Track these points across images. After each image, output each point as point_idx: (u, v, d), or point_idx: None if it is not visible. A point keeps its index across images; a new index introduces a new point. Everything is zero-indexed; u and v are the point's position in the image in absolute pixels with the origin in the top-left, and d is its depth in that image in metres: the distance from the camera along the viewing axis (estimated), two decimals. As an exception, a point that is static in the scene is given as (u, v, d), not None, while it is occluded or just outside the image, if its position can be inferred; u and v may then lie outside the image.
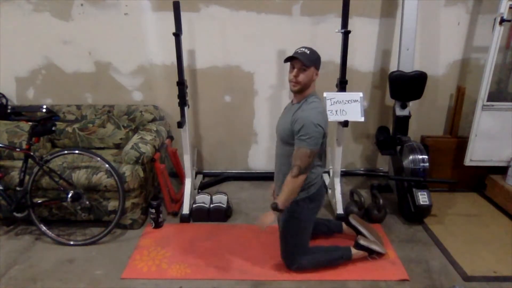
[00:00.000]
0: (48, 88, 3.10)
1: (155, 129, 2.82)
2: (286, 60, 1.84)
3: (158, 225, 2.55)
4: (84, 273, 2.12)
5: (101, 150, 2.79)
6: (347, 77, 2.55)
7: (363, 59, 3.04)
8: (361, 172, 3.42)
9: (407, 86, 2.77)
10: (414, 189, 2.57)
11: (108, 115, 2.88)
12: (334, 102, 2.48)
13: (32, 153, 2.33)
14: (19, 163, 2.38)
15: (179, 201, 2.86)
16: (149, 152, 2.52)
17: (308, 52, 1.81)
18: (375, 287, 2.01)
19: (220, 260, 2.22)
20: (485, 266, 2.18)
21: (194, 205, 2.67)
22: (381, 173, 3.39)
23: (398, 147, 2.87)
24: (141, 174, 2.50)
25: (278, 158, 2.01)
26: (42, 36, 2.93)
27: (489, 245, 2.38)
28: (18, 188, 2.33)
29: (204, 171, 3.41)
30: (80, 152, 2.42)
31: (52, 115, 2.86)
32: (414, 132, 3.15)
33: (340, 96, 2.51)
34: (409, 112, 2.88)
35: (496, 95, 2.82)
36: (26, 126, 2.64)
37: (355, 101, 2.50)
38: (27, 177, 2.34)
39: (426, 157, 2.60)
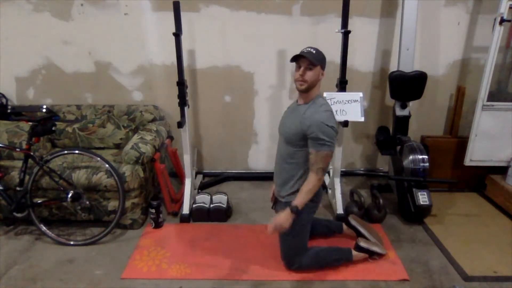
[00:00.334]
0: (48, 88, 3.10)
1: (155, 129, 2.82)
2: (293, 59, 1.85)
3: (158, 225, 2.55)
4: (84, 273, 2.12)
5: (101, 150, 2.79)
6: (347, 77, 2.55)
7: (363, 59, 3.04)
8: (361, 172, 3.42)
9: (407, 86, 2.77)
10: (414, 189, 2.57)
11: (108, 115, 2.88)
12: (334, 102, 2.48)
13: (32, 153, 2.33)
14: (19, 163, 2.38)
15: (179, 201, 2.86)
16: (149, 152, 2.52)
17: (314, 51, 1.82)
18: (375, 287, 2.01)
19: (220, 260, 2.22)
20: (485, 266, 2.18)
21: (194, 205, 2.67)
22: (381, 173, 3.39)
23: (398, 147, 2.87)
24: (141, 174, 2.50)
25: (280, 158, 2.01)
26: (42, 36, 2.93)
27: (489, 245, 2.38)
28: (18, 188, 2.33)
29: (204, 171, 3.41)
30: (80, 152, 2.42)
31: (52, 115, 2.87)
32: (414, 132, 3.15)
33: (340, 96, 2.51)
34: (409, 112, 2.88)
35: (496, 95, 2.82)
36: (26, 126, 2.64)
37: (355, 101, 2.50)
38: (27, 177, 2.34)
39: (426, 157, 2.60)
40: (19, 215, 2.34)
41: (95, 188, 2.39)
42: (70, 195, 2.30)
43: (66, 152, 2.42)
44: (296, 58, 1.84)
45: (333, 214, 2.74)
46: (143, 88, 3.11)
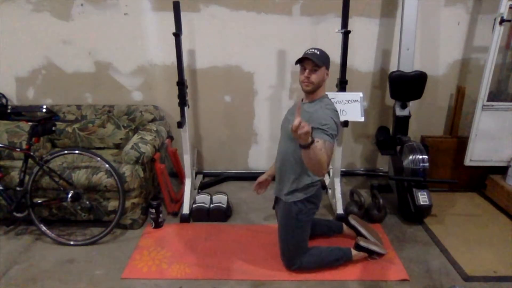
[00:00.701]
0: (48, 88, 3.10)
1: (155, 129, 2.82)
2: (297, 61, 1.85)
3: (158, 225, 2.55)
4: (84, 273, 2.12)
5: (101, 150, 2.79)
6: (347, 77, 2.55)
7: (363, 59, 3.04)
8: (361, 172, 3.42)
9: (407, 86, 2.78)
10: (414, 189, 2.57)
11: (108, 115, 2.88)
12: (334, 102, 2.46)
13: (32, 153, 2.33)
14: (19, 163, 2.38)
15: (179, 201, 2.86)
16: (149, 152, 2.52)
17: (318, 52, 1.83)
18: (375, 287, 2.01)
19: (220, 260, 2.22)
20: (485, 266, 2.18)
21: (194, 205, 2.67)
22: (381, 173, 3.39)
23: (398, 147, 2.87)
24: (141, 174, 2.50)
25: (282, 155, 2.00)
26: (42, 36, 2.93)
27: (489, 245, 2.38)
28: (18, 188, 2.33)
29: (204, 171, 3.41)
30: (80, 152, 2.42)
31: (52, 115, 2.86)
32: (414, 132, 3.15)
33: (340, 96, 2.51)
34: (409, 112, 2.88)
35: (496, 95, 2.82)
36: (26, 126, 2.63)
37: (355, 101, 2.50)
38: (27, 177, 2.34)
39: (426, 157, 2.60)
40: (19, 215, 2.34)
41: (95, 188, 2.39)
42: (70, 195, 2.30)
43: (66, 152, 2.42)
44: (300, 61, 1.84)
45: (333, 214, 2.73)
46: (143, 88, 3.11)
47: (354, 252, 2.15)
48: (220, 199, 2.71)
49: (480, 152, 2.82)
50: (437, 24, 2.95)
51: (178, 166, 3.13)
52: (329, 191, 2.97)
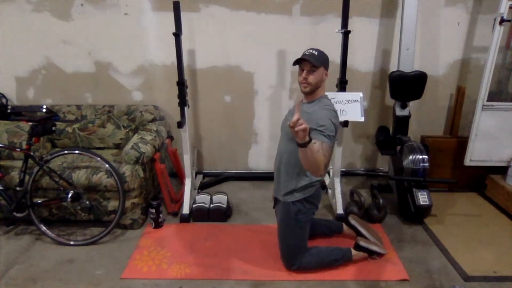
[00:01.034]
0: (48, 88, 3.10)
1: (155, 129, 2.82)
2: (295, 62, 1.85)
3: (158, 225, 2.55)
4: (84, 273, 2.12)
5: (101, 150, 2.79)
6: (347, 77, 2.55)
7: (363, 59, 3.04)
8: (361, 172, 3.42)
9: (407, 86, 2.77)
10: (414, 189, 2.57)
11: (108, 115, 2.88)
12: (334, 102, 2.48)
13: (32, 153, 2.33)
14: (19, 163, 2.38)
15: (179, 201, 2.86)
16: (149, 152, 2.52)
17: (316, 53, 1.83)
18: (375, 287, 2.01)
19: (220, 260, 2.22)
20: (485, 266, 2.18)
21: (194, 205, 2.67)
22: (381, 173, 3.39)
23: (398, 147, 2.87)
24: (141, 174, 2.50)
25: (282, 156, 2.00)
26: (42, 36, 2.93)
27: (489, 245, 2.38)
28: (18, 188, 2.33)
29: (204, 171, 3.41)
30: (80, 152, 2.42)
31: (52, 115, 2.85)
32: (414, 132, 3.15)
33: (340, 96, 2.51)
34: (409, 112, 2.88)
35: (496, 95, 2.82)
36: (26, 126, 2.63)
37: (355, 101, 2.50)
38: (27, 177, 2.34)
39: (426, 157, 2.60)
40: (19, 215, 2.34)
41: (95, 188, 2.39)
42: (70, 195, 2.30)
43: (66, 152, 2.42)
44: (298, 61, 1.84)
45: (333, 214, 2.73)
46: (143, 88, 3.11)
47: (354, 252, 2.15)
48: (220, 199, 2.71)
49: (480, 152, 2.82)
50: (437, 24, 2.95)
51: (178, 166, 3.13)
52: (329, 191, 2.97)
